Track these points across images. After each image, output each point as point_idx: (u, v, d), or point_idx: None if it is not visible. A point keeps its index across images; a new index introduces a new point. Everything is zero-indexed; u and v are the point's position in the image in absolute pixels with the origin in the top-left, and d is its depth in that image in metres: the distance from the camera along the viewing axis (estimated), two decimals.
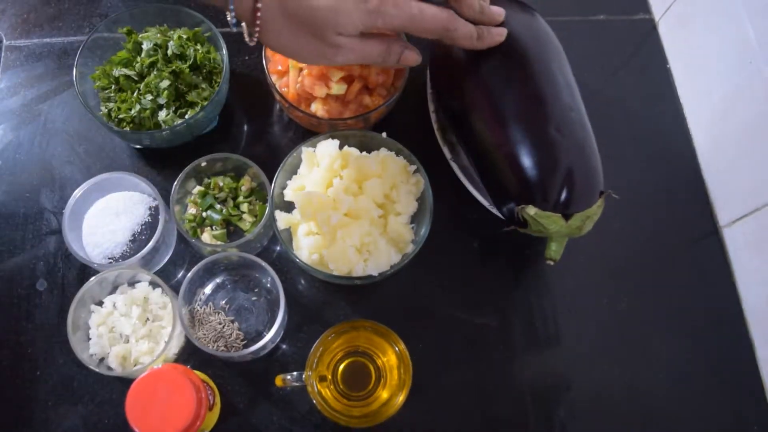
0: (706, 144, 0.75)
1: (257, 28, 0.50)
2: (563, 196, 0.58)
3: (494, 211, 0.66)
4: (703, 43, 0.75)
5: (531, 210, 0.58)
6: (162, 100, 0.68)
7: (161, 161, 0.74)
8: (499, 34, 0.59)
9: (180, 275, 0.70)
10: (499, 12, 0.59)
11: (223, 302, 0.67)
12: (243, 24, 0.52)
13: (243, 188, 0.70)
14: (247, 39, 0.52)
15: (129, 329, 0.64)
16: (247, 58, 0.79)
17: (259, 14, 0.49)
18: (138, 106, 0.68)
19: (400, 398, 0.60)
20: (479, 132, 0.63)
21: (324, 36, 0.50)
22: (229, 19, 0.49)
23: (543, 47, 0.63)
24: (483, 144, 0.62)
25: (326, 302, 0.68)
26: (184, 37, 0.71)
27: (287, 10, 0.49)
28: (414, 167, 0.66)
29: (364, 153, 0.68)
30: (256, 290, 0.68)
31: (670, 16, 0.81)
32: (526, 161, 0.58)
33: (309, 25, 0.50)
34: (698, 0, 0.75)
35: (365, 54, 0.54)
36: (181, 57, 0.70)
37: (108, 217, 0.69)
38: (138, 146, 0.74)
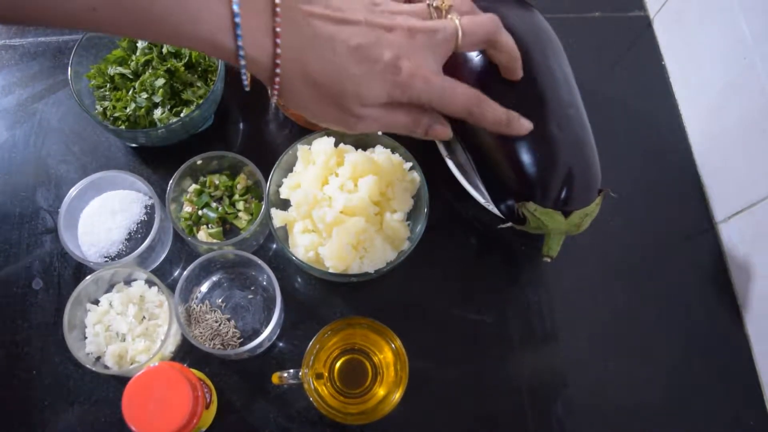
0: (702, 140, 0.76)
1: (275, 91, 0.46)
2: (563, 193, 0.58)
3: (490, 208, 0.66)
4: (697, 40, 0.75)
5: (531, 206, 0.58)
6: (157, 99, 0.68)
7: (157, 160, 0.73)
8: (526, 126, 0.54)
9: (176, 273, 0.70)
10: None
11: (220, 300, 0.67)
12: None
13: (239, 186, 0.70)
14: (272, 100, 0.49)
15: (125, 328, 0.64)
16: None
17: (277, 79, 0.45)
18: (133, 105, 0.68)
19: (397, 395, 0.60)
20: (479, 129, 0.62)
21: (345, 105, 0.47)
22: (243, 79, 0.45)
23: (542, 44, 0.63)
24: (482, 140, 0.62)
25: (322, 300, 0.69)
26: None
27: (309, 76, 0.45)
28: (410, 164, 0.66)
29: (360, 150, 0.68)
30: (252, 288, 0.68)
31: (665, 13, 0.81)
32: (527, 158, 0.58)
33: (330, 93, 0.46)
34: None
35: (390, 125, 0.50)
36: (176, 55, 0.70)
37: (104, 215, 0.69)
38: (133, 145, 0.74)
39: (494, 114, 0.52)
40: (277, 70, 0.44)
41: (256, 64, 0.44)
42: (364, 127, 0.50)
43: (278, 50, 0.43)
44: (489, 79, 0.61)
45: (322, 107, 0.48)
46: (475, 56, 0.62)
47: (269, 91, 0.49)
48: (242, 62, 0.43)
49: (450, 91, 0.49)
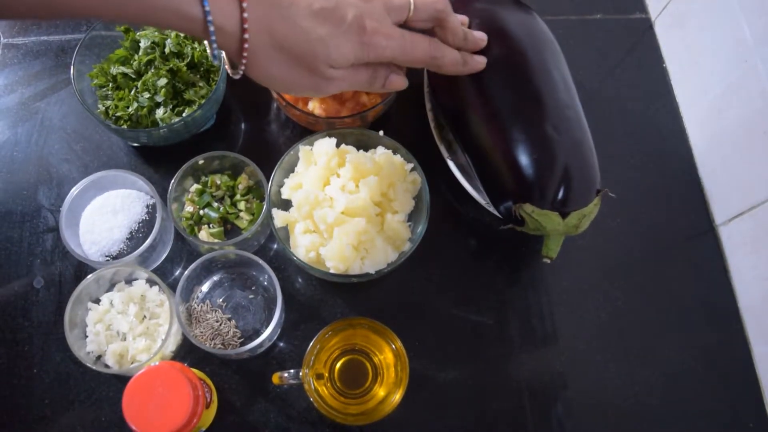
0: (702, 142, 0.76)
1: (244, 60, 0.47)
2: (560, 194, 0.58)
3: (491, 209, 0.66)
4: (699, 42, 0.75)
5: (528, 208, 0.58)
6: (159, 98, 0.68)
7: (158, 159, 0.74)
8: (480, 62, 0.60)
9: (177, 273, 0.70)
10: (481, 37, 0.60)
11: (221, 300, 0.67)
12: (223, 55, 0.49)
13: (240, 186, 0.70)
14: (229, 71, 0.50)
15: (126, 327, 0.64)
16: None
17: (246, 45, 0.46)
18: (135, 104, 0.68)
19: (397, 396, 0.60)
20: (477, 130, 0.63)
21: (316, 68, 0.49)
22: (209, 51, 0.46)
23: (540, 46, 0.64)
24: (480, 142, 0.63)
25: (323, 300, 0.69)
26: (182, 35, 0.71)
27: (277, 41, 0.47)
28: (411, 165, 0.66)
29: (361, 151, 0.68)
30: (253, 288, 0.68)
31: (666, 15, 0.81)
32: (524, 159, 0.59)
33: (300, 58, 0.48)
34: None
35: (354, 83, 0.53)
36: (179, 55, 0.70)
37: (105, 214, 0.69)
38: (135, 144, 0.74)
39: (452, 56, 0.57)
40: (246, 36, 0.45)
41: (225, 32, 0.45)
42: (334, 89, 0.52)
43: (245, 14, 0.44)
44: (486, 82, 0.62)
45: (293, 73, 0.49)
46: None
47: (232, 69, 0.49)
48: (211, 28, 0.44)
49: (410, 42, 0.52)
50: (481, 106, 0.62)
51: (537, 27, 0.66)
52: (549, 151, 0.58)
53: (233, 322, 0.66)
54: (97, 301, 0.66)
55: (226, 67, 0.50)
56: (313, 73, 0.49)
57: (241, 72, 0.49)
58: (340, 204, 0.63)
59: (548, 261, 0.62)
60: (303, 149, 0.67)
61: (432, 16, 0.54)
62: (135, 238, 0.69)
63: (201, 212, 0.69)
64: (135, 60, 0.70)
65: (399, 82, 0.56)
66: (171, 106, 0.69)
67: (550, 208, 0.58)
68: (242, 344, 0.65)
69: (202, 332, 0.64)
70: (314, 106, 0.68)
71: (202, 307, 0.66)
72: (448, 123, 0.69)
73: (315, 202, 0.63)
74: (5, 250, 0.69)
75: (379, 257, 0.63)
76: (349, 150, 0.67)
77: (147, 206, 0.71)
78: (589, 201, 0.60)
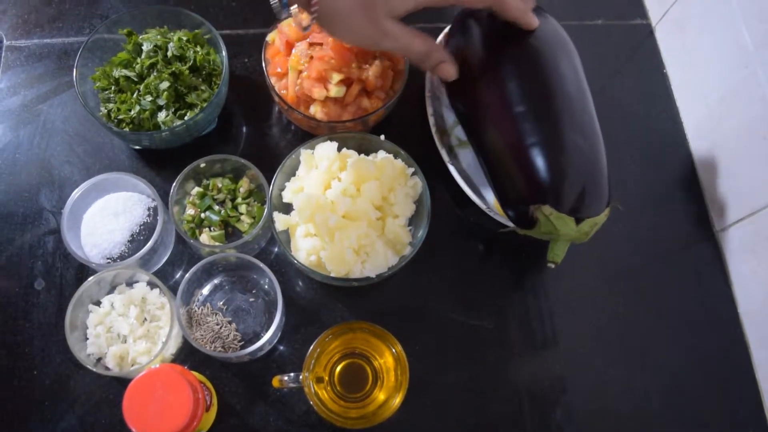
0: (703, 148, 0.76)
1: (315, 8, 0.51)
2: (579, 199, 0.58)
3: (492, 214, 0.66)
4: (699, 48, 0.75)
5: (547, 210, 0.58)
6: (161, 102, 0.69)
7: (160, 162, 0.74)
8: (536, 21, 0.61)
9: (178, 276, 0.70)
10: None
11: (221, 303, 0.67)
12: (293, 8, 0.53)
13: (241, 189, 0.70)
14: (300, 23, 0.53)
15: (127, 329, 0.64)
16: (246, 60, 0.79)
17: None
18: (137, 107, 0.69)
19: (397, 400, 0.60)
20: (494, 132, 0.62)
21: (375, 18, 0.52)
22: (274, 3, 0.50)
23: (558, 49, 0.63)
24: (499, 143, 0.62)
25: (324, 304, 0.69)
26: (184, 38, 0.71)
27: None
28: (412, 170, 0.67)
29: (363, 155, 0.68)
30: (253, 291, 0.68)
31: (666, 21, 0.81)
32: (547, 162, 0.58)
33: (362, 5, 0.51)
34: (695, 5, 0.75)
35: (408, 47, 0.56)
36: (181, 58, 0.71)
37: (107, 217, 0.69)
38: (137, 147, 0.74)
39: (516, 1, 0.58)
40: None
41: None
42: (388, 44, 0.56)
43: None
44: (507, 84, 0.61)
45: (356, 23, 0.53)
46: (492, 60, 0.62)
47: (301, 22, 0.52)
48: None
49: None
50: (499, 108, 0.61)
51: (553, 30, 0.65)
52: (572, 155, 0.58)
53: (234, 325, 0.66)
54: (98, 303, 0.66)
55: (294, 20, 0.54)
56: (372, 23, 0.53)
57: (312, 22, 0.52)
58: (341, 208, 0.63)
59: (553, 266, 0.62)
60: (304, 153, 0.67)
61: None
62: (136, 241, 0.70)
63: (202, 215, 0.69)
64: (137, 63, 0.70)
65: (450, 71, 0.59)
66: (173, 110, 0.69)
67: (567, 212, 0.58)
68: (242, 347, 0.65)
69: (202, 335, 0.65)
70: (316, 110, 0.68)
71: (202, 310, 0.66)
72: (462, 123, 0.68)
73: (316, 206, 0.63)
74: (6, 252, 0.70)
75: (379, 261, 0.63)
76: (350, 154, 0.67)
77: (148, 209, 0.71)
78: (602, 209, 0.59)
